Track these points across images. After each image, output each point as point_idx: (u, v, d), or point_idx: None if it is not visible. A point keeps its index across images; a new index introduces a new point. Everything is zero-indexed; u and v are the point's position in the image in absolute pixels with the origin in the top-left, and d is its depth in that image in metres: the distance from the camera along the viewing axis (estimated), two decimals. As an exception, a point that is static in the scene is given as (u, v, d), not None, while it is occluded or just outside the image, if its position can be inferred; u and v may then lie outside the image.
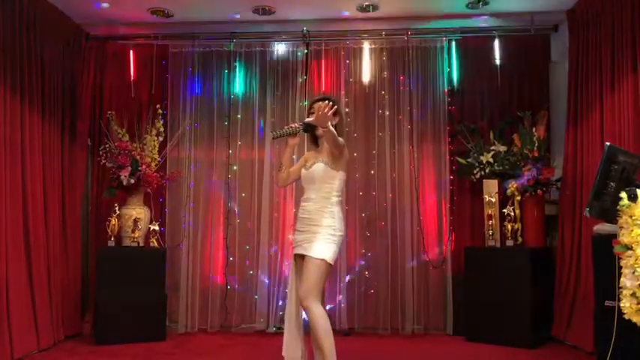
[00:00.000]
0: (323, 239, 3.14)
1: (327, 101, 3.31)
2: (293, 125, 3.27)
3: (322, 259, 3.10)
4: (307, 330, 3.24)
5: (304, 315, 3.24)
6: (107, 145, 4.96)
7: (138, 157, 4.89)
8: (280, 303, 5.03)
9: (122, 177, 4.78)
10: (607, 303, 3.25)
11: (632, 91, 3.76)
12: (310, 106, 3.39)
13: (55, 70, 4.73)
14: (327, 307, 4.93)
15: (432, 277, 5.12)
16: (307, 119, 3.26)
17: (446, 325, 5.05)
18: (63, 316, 4.66)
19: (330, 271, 3.25)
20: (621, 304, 2.54)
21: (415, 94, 5.24)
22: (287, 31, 5.25)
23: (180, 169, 5.26)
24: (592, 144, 4.33)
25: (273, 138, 3.27)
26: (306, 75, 5.26)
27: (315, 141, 3.41)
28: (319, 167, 3.26)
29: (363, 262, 5.16)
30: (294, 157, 3.51)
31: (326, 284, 4.83)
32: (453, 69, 5.18)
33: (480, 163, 4.96)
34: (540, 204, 4.77)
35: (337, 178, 3.28)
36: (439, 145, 5.22)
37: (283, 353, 3.30)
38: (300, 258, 3.22)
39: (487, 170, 4.93)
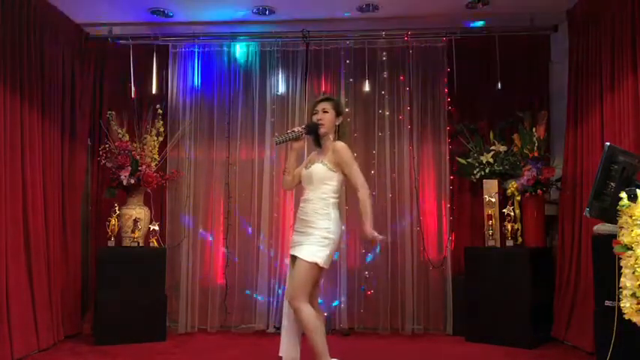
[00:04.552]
0: (316, 242, 3.16)
1: (330, 101, 3.37)
2: (295, 129, 3.28)
3: (313, 263, 3.12)
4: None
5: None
6: (107, 145, 4.96)
7: (138, 157, 4.90)
8: (279, 303, 5.03)
9: (122, 177, 4.78)
10: (607, 303, 3.25)
11: (632, 91, 3.76)
12: (314, 107, 3.41)
13: (55, 70, 4.72)
14: (327, 307, 4.96)
15: (432, 277, 5.12)
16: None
17: (446, 325, 5.05)
18: (63, 316, 4.65)
19: (322, 273, 3.28)
20: (621, 304, 2.54)
21: (415, 94, 5.24)
22: (287, 31, 5.24)
23: (180, 169, 5.26)
24: (592, 144, 4.33)
25: (277, 144, 3.29)
26: (306, 75, 5.26)
27: (317, 142, 3.41)
28: (318, 168, 3.27)
29: (363, 263, 5.16)
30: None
31: (325, 284, 4.92)
32: (452, 69, 5.18)
33: (480, 163, 4.96)
34: (540, 204, 4.77)
35: (335, 180, 3.28)
36: (439, 145, 5.23)
37: (280, 353, 3.31)
38: (295, 258, 3.23)
39: (487, 170, 4.94)
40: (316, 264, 3.13)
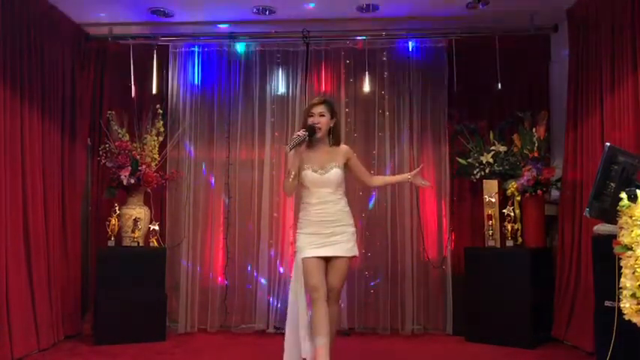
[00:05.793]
0: (353, 239, 3.39)
1: (326, 104, 3.40)
2: (300, 134, 3.30)
3: (353, 256, 3.41)
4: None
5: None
6: (107, 145, 4.96)
7: (138, 157, 4.89)
8: (279, 303, 5.03)
9: (122, 177, 4.78)
10: (607, 303, 3.25)
11: (632, 92, 3.76)
12: (309, 110, 3.42)
13: (55, 70, 4.72)
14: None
15: (431, 277, 5.13)
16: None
17: (446, 325, 5.05)
18: (63, 316, 4.65)
19: None
20: (621, 305, 2.53)
21: (415, 94, 5.24)
22: (287, 31, 5.24)
23: (180, 169, 5.26)
24: (592, 144, 4.32)
25: (290, 150, 3.27)
26: (306, 75, 5.26)
27: (309, 144, 3.40)
28: (337, 172, 3.37)
29: (363, 262, 5.15)
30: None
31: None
32: (452, 69, 5.17)
33: (480, 163, 4.96)
34: (540, 204, 4.77)
35: (344, 180, 3.44)
36: (439, 146, 5.23)
37: (286, 356, 3.32)
38: (321, 258, 3.27)
39: (487, 170, 4.93)
40: (355, 257, 3.43)
